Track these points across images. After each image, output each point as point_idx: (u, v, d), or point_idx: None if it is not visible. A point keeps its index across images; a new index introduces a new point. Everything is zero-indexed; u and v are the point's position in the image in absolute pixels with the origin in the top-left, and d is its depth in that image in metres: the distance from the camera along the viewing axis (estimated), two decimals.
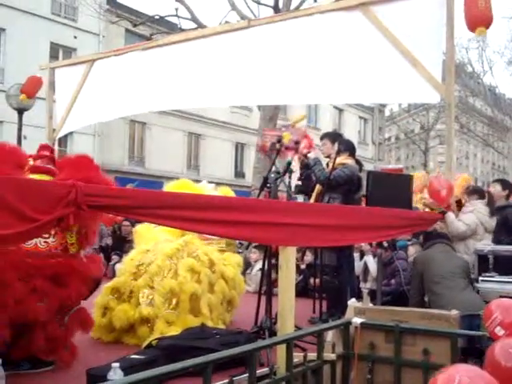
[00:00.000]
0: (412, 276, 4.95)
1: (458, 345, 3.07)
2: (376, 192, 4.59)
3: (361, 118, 33.66)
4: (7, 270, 2.94)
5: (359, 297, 5.34)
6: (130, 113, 7.60)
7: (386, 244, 5.66)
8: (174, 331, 3.87)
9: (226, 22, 11.88)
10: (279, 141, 4.61)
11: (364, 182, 4.98)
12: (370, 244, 5.97)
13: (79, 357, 3.44)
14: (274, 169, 4.49)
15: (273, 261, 4.34)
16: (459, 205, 5.20)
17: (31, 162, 3.38)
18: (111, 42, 19.00)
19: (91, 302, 3.95)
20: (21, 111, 10.46)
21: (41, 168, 3.33)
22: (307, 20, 5.50)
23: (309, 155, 5.17)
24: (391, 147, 46.48)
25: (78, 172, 3.25)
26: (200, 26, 13.16)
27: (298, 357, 2.92)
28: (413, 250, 6.01)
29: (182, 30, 13.11)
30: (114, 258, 8.47)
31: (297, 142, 4.88)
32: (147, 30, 17.15)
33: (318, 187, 5.18)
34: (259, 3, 14.01)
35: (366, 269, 6.34)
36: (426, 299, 4.60)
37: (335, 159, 4.94)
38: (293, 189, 5.31)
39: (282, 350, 2.90)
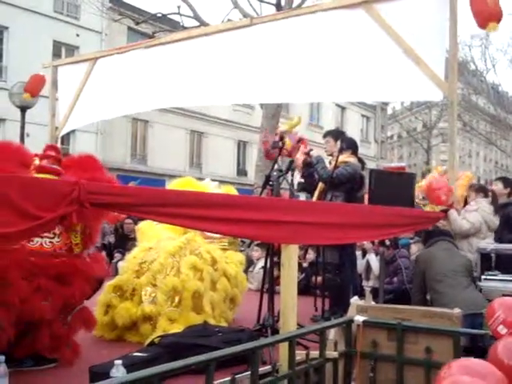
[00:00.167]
0: (414, 274, 4.95)
1: (460, 343, 3.07)
2: (378, 190, 4.59)
3: (363, 116, 33.59)
4: (11, 268, 2.96)
5: (361, 295, 5.35)
6: (132, 111, 7.61)
7: (388, 242, 5.64)
8: (177, 329, 3.88)
9: (229, 20, 11.87)
10: (281, 139, 4.61)
11: (366, 181, 4.98)
12: (373, 242, 5.96)
13: (82, 354, 3.44)
14: (276, 167, 4.50)
15: (275, 259, 4.34)
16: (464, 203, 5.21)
17: (37, 162, 3.39)
18: (113, 40, 19.00)
19: (94, 299, 3.95)
20: (24, 109, 10.47)
21: (46, 168, 3.34)
22: (310, 18, 5.50)
23: (311, 153, 5.17)
24: (393, 145, 46.41)
25: (84, 172, 3.28)
26: (202, 24, 13.16)
27: (300, 355, 2.93)
28: (415, 248, 6.01)
29: (185, 28, 13.10)
30: (117, 255, 8.47)
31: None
32: (149, 28, 17.13)
33: (320, 185, 5.18)
34: (262, 1, 13.98)
35: (368, 267, 6.33)
36: (428, 297, 4.60)
37: (338, 157, 4.94)
38: (295, 186, 5.31)
39: (284, 347, 2.90)
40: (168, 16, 15.57)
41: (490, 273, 4.62)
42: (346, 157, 5.13)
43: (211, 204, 3.03)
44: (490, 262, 4.86)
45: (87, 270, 3.37)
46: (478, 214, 5.00)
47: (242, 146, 26.38)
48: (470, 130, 33.09)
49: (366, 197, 5.05)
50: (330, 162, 5.34)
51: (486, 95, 29.76)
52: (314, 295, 5.59)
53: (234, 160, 25.98)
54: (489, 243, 4.92)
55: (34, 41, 17.96)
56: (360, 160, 5.37)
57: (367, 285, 6.23)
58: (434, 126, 37.11)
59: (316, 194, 5.23)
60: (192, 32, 6.84)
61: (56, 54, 18.65)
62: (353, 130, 28.05)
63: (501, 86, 34.76)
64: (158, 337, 3.68)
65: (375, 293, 5.26)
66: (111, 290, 4.29)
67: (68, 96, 7.43)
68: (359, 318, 3.27)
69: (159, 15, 15.72)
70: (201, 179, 6.14)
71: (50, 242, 3.27)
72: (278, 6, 13.24)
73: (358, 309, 3.45)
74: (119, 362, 2.48)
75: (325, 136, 5.64)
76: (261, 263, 6.61)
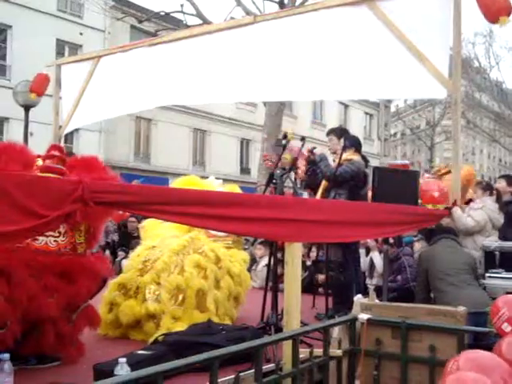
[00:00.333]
0: (418, 272, 4.94)
1: (464, 341, 3.06)
2: (382, 188, 4.58)
3: (366, 113, 33.52)
4: (19, 267, 2.98)
5: (365, 293, 5.34)
6: (136, 109, 7.60)
7: (391, 240, 5.65)
8: (181, 327, 3.88)
9: (232, 18, 11.85)
10: (285, 137, 4.61)
11: (370, 178, 4.97)
12: (376, 240, 5.96)
13: (86, 352, 3.46)
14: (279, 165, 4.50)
15: (278, 256, 4.34)
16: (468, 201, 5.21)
17: (40, 162, 3.40)
18: (117, 39, 18.99)
19: (98, 297, 3.96)
20: (27, 108, 10.47)
21: (51, 168, 3.36)
22: (313, 15, 5.48)
23: (315, 151, 5.17)
24: (397, 143, 46.26)
25: (88, 173, 3.29)
26: (205, 22, 13.13)
27: (304, 353, 2.92)
28: (419, 246, 5.99)
29: (188, 27, 13.08)
30: (121, 254, 8.50)
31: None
32: (153, 26, 17.13)
33: (324, 183, 5.17)
34: None
35: (372, 265, 6.33)
36: (432, 296, 4.59)
37: (341, 155, 4.94)
38: (299, 184, 5.32)
39: (288, 345, 2.90)
40: (171, 14, 15.58)
41: (494, 270, 4.61)
42: (350, 154, 5.13)
43: (215, 202, 3.03)
44: (494, 260, 4.86)
45: (92, 269, 3.39)
46: (483, 211, 5.00)
47: (245, 144, 26.37)
48: (474, 127, 33.01)
49: (370, 194, 5.04)
50: (333, 160, 5.34)
51: (489, 92, 29.68)
52: (314, 293, 5.62)
53: (237, 158, 25.96)
54: (493, 241, 4.91)
55: (38, 39, 17.97)
56: (363, 158, 5.36)
57: (371, 283, 6.23)
58: (437, 124, 36.97)
59: (319, 191, 5.22)
60: (195, 30, 6.83)
61: (59, 53, 18.70)
62: (356, 128, 28.04)
63: (505, 83, 34.58)
64: (162, 335, 3.69)
65: (379, 291, 5.24)
66: (115, 288, 4.30)
67: (71, 94, 7.43)
68: (363, 316, 3.27)
69: (162, 13, 15.73)
70: (204, 177, 6.13)
71: (55, 240, 3.29)
72: (281, 4, 13.22)
73: (362, 307, 3.45)
74: (123, 360, 2.48)
75: (328, 134, 5.64)
76: (264, 261, 6.61)
